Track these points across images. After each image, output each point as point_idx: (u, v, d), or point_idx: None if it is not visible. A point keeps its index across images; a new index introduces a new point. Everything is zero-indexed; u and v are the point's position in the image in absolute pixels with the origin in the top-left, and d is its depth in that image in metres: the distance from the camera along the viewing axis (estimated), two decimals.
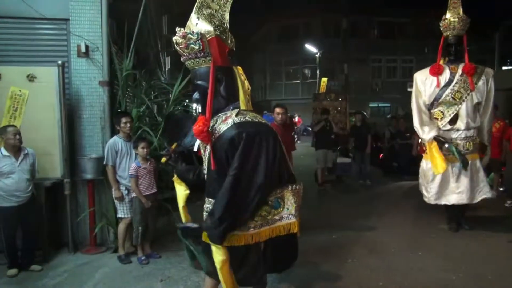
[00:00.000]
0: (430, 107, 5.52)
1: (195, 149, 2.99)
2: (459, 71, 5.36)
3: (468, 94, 5.30)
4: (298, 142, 17.83)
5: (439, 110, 5.44)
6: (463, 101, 5.31)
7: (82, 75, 4.99)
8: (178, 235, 2.71)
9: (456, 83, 5.33)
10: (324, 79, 13.55)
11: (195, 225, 2.61)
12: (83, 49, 4.90)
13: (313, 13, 27.59)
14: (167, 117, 4.89)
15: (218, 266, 2.46)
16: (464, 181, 5.30)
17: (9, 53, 4.91)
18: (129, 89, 5.47)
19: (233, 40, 2.75)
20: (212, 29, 2.57)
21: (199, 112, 2.75)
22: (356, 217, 6.40)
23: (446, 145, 5.27)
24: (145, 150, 4.45)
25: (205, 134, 2.49)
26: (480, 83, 5.33)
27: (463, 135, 5.36)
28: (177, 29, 2.63)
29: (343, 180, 9.78)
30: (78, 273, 4.31)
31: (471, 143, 5.36)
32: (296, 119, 20.74)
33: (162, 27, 11.26)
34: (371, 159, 10.01)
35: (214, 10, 2.67)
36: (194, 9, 2.63)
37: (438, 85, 5.41)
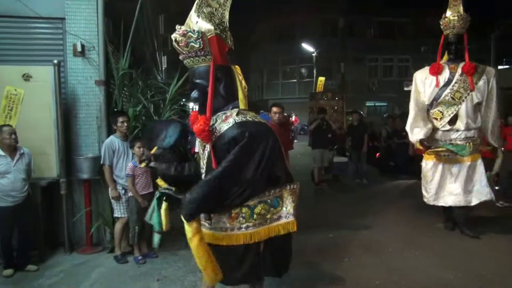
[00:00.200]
0: (430, 107, 5.46)
1: (197, 149, 2.99)
2: (459, 70, 5.28)
3: (468, 94, 5.21)
4: (296, 141, 17.82)
5: (438, 110, 5.37)
6: (463, 101, 5.22)
7: (78, 75, 4.97)
8: (154, 196, 2.71)
9: (456, 82, 5.26)
10: (322, 79, 13.55)
11: (179, 196, 2.56)
12: (79, 48, 4.88)
13: (310, 12, 27.56)
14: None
15: (189, 243, 2.46)
16: (462, 183, 5.26)
17: (5, 52, 4.87)
18: (125, 89, 5.45)
19: (232, 39, 2.75)
20: (212, 27, 2.56)
21: (191, 110, 2.75)
22: (352, 216, 6.41)
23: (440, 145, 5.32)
24: (141, 149, 4.44)
25: (206, 133, 2.49)
26: (481, 82, 5.23)
27: (462, 136, 5.28)
28: (177, 27, 2.61)
29: (339, 179, 9.78)
30: (74, 273, 4.30)
31: (471, 143, 5.27)
32: (293, 118, 20.72)
33: (159, 26, 11.23)
34: (368, 158, 10.03)
35: (214, 9, 2.67)
36: (194, 7, 2.62)
37: (437, 84, 5.34)
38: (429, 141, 5.49)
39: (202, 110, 2.67)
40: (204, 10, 2.62)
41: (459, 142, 5.29)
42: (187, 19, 2.65)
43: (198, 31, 2.52)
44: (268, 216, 2.58)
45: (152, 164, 3.01)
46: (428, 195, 5.51)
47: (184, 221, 2.43)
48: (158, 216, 2.73)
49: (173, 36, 2.61)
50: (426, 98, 5.47)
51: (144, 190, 4.54)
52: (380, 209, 6.90)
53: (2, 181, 4.10)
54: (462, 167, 5.29)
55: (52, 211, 4.96)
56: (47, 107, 4.68)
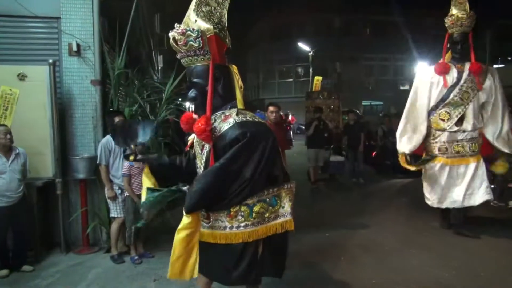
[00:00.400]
0: (435, 108, 5.30)
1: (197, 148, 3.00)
2: (466, 70, 5.17)
3: (475, 94, 5.14)
4: (293, 140, 17.84)
5: (445, 111, 5.24)
6: (470, 101, 5.15)
7: (73, 74, 4.95)
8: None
9: (464, 82, 5.14)
10: (318, 78, 13.52)
11: (183, 188, 2.65)
12: (74, 48, 4.86)
13: (306, 11, 27.62)
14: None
15: (176, 233, 2.53)
16: (467, 183, 5.20)
17: None
18: (121, 88, 5.43)
19: (230, 38, 2.75)
20: (211, 26, 2.56)
21: (184, 109, 2.77)
22: (349, 215, 6.43)
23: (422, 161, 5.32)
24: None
25: (207, 133, 2.49)
26: (488, 83, 5.17)
27: (469, 137, 5.22)
28: (176, 25, 2.60)
29: (336, 179, 9.80)
30: (71, 274, 4.28)
31: (476, 144, 5.24)
32: (290, 117, 20.74)
33: (155, 25, 11.19)
34: (364, 157, 10.05)
35: (212, 8, 2.66)
36: (192, 6, 2.61)
37: (445, 84, 5.19)
38: (428, 148, 5.43)
39: (199, 110, 2.67)
40: (203, 9, 2.61)
41: (465, 143, 5.23)
42: (186, 18, 2.64)
43: (197, 30, 2.51)
44: (267, 215, 2.58)
45: (139, 157, 3.02)
46: (433, 198, 5.36)
47: (184, 213, 2.46)
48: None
49: (172, 34, 2.59)
50: (431, 99, 5.29)
51: (140, 190, 4.50)
52: (376, 208, 6.92)
53: None
54: (468, 168, 5.24)
55: (48, 211, 4.94)
56: (42, 107, 4.66)
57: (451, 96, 5.18)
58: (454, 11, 5.22)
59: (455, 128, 5.23)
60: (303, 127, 14.68)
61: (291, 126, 20.58)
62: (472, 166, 5.23)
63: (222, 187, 2.48)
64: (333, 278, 4.06)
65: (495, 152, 5.56)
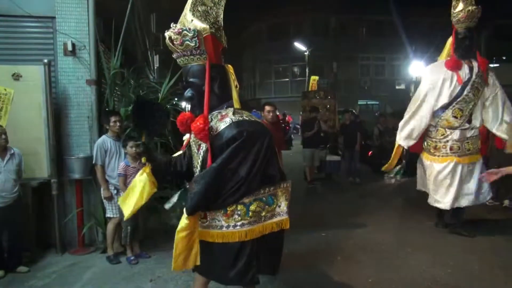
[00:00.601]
0: (448, 105, 5.14)
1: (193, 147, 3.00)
2: (475, 66, 5.09)
3: (482, 90, 5.10)
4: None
5: (458, 108, 5.10)
6: (478, 98, 5.10)
7: (69, 74, 4.93)
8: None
9: (476, 78, 5.06)
10: (315, 77, 13.53)
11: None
12: (69, 48, 4.84)
13: (303, 11, 27.63)
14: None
15: (176, 233, 2.50)
16: (474, 182, 5.16)
17: None
18: (117, 88, 5.41)
19: (226, 38, 2.76)
20: (207, 26, 2.57)
21: (180, 109, 2.76)
22: (345, 215, 6.44)
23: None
24: (133, 149, 4.42)
25: (206, 132, 2.49)
26: (492, 78, 5.16)
27: (475, 134, 5.19)
28: (172, 25, 2.61)
29: (332, 178, 9.82)
30: (66, 274, 4.26)
31: (479, 141, 5.24)
32: (286, 118, 20.80)
33: (150, 25, 11.15)
34: (360, 156, 10.06)
35: (208, 8, 2.67)
36: (188, 6, 2.62)
37: (460, 81, 5.05)
38: (436, 147, 5.33)
39: (195, 109, 2.68)
40: (199, 8, 2.62)
41: (473, 140, 5.19)
42: (182, 17, 2.64)
43: (194, 30, 2.52)
44: (263, 213, 2.60)
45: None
46: (446, 200, 5.16)
47: (185, 214, 2.46)
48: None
49: (168, 34, 2.60)
50: (441, 96, 5.13)
51: None
52: (373, 207, 6.94)
53: None
54: (476, 165, 5.22)
55: (43, 212, 4.92)
56: (37, 106, 4.64)
57: (465, 92, 5.07)
58: (461, 6, 5.06)
59: (467, 126, 5.17)
60: (299, 127, 14.67)
61: (290, 126, 20.67)
62: (479, 163, 5.23)
63: (220, 186, 2.49)
64: (330, 277, 4.07)
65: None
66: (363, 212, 6.57)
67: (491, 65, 5.72)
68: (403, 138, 5.43)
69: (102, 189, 4.61)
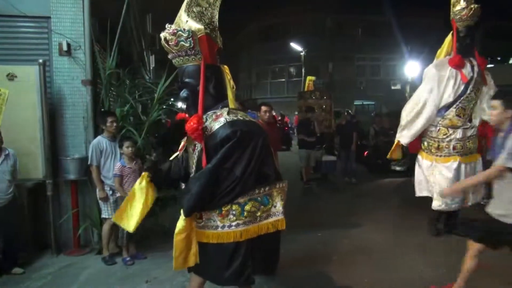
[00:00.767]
0: (452, 104, 5.02)
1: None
2: (475, 64, 5.03)
3: (481, 89, 5.05)
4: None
5: (462, 107, 5.02)
6: (478, 96, 5.05)
7: (64, 74, 4.91)
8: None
9: (477, 77, 5.00)
10: (311, 78, 13.53)
11: None
12: (65, 48, 4.82)
13: (298, 12, 27.67)
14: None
15: (175, 235, 2.52)
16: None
17: None
18: (112, 88, 5.40)
19: (221, 38, 2.76)
20: (202, 27, 2.57)
21: (177, 110, 2.76)
22: (341, 215, 6.45)
23: None
24: (130, 149, 4.41)
25: (199, 132, 2.49)
26: (488, 78, 5.12)
27: (474, 132, 5.12)
28: (167, 25, 2.61)
29: (328, 178, 9.84)
30: (62, 275, 4.25)
31: (477, 140, 5.17)
32: (285, 118, 20.88)
33: (146, 25, 11.14)
34: (356, 156, 10.09)
35: (203, 8, 2.67)
36: (183, 6, 2.62)
37: (464, 79, 4.94)
38: (439, 147, 5.18)
39: (190, 110, 2.68)
40: (194, 9, 2.62)
41: (473, 139, 5.12)
42: (177, 18, 2.65)
43: (188, 30, 2.52)
44: (258, 214, 2.59)
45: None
46: (451, 202, 4.95)
47: (182, 216, 2.47)
48: None
49: (163, 34, 2.60)
50: (444, 95, 5.00)
51: None
52: (368, 207, 6.96)
53: None
54: (477, 164, 5.14)
55: (39, 213, 4.89)
56: (32, 107, 4.62)
57: (468, 91, 4.99)
58: (463, 3, 4.96)
59: (468, 124, 5.12)
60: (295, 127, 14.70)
61: (289, 126, 20.71)
62: (479, 162, 5.16)
63: (216, 186, 2.49)
64: (326, 277, 4.08)
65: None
66: (359, 212, 6.58)
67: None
68: (409, 136, 5.24)
69: (97, 189, 4.59)
